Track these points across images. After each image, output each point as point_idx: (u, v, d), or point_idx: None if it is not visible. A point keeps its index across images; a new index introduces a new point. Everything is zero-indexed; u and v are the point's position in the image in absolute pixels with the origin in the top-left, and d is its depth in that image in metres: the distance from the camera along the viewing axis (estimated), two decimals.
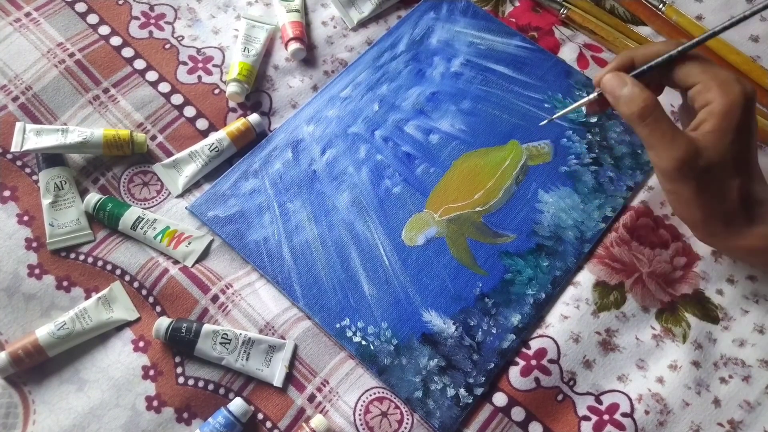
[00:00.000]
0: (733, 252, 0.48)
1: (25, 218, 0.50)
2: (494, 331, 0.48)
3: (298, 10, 0.59)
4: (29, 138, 0.50)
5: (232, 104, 0.55)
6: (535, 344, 0.48)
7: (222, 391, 0.46)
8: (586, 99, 0.47)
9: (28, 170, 0.51)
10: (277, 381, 0.46)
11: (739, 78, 0.42)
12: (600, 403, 0.46)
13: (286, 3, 0.59)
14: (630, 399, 0.46)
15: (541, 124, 0.52)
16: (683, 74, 0.43)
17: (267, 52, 0.58)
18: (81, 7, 0.57)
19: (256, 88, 0.56)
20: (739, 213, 0.43)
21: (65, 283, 0.48)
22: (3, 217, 0.49)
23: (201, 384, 0.46)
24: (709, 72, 0.42)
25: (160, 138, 0.53)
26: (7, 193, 0.50)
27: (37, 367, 0.45)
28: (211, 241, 0.50)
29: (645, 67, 0.44)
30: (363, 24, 0.60)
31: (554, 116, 0.49)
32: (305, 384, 0.46)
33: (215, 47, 0.57)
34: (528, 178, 0.53)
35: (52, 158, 0.50)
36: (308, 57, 0.58)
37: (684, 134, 0.41)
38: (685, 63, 0.43)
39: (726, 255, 0.51)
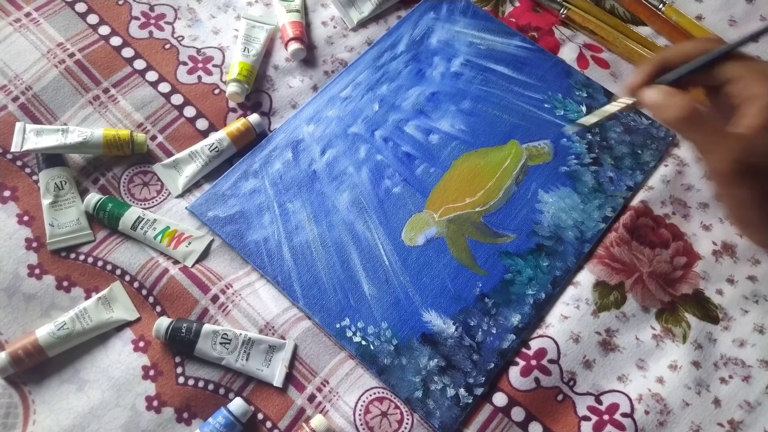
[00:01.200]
0: None
1: (25, 218, 0.50)
2: (494, 331, 0.48)
3: (298, 10, 0.59)
4: (29, 138, 0.50)
5: (232, 104, 0.55)
6: (535, 344, 0.48)
7: (222, 391, 0.46)
8: (621, 106, 0.43)
9: (28, 170, 0.51)
10: (277, 381, 0.46)
11: None
12: (600, 403, 0.46)
13: (286, 3, 0.59)
14: (630, 399, 0.46)
15: (570, 131, 0.51)
16: (723, 70, 0.41)
17: (267, 52, 0.58)
18: (81, 7, 0.57)
19: (256, 88, 0.56)
20: None
21: (65, 283, 0.48)
22: (3, 217, 0.49)
23: (201, 384, 0.46)
24: (750, 66, 0.40)
25: (160, 138, 0.53)
26: (7, 193, 0.50)
27: (37, 367, 0.45)
28: (211, 241, 0.50)
29: (686, 70, 0.41)
30: (363, 24, 0.60)
31: (589, 123, 0.45)
32: (305, 384, 0.46)
33: (215, 47, 0.57)
34: (528, 178, 0.53)
35: (52, 158, 0.50)
36: (308, 57, 0.58)
37: (735, 133, 0.39)
38: (724, 59, 0.41)
39: None
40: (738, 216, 0.44)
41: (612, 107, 0.44)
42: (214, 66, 0.56)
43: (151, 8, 0.58)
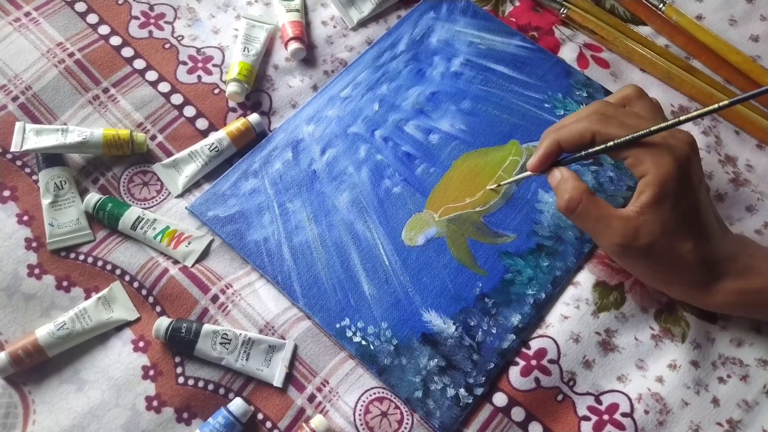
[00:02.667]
0: (705, 308, 0.47)
1: (25, 218, 0.50)
2: (494, 331, 0.48)
3: (297, 10, 0.58)
4: (29, 138, 0.50)
5: (231, 104, 0.55)
6: (535, 344, 0.48)
7: (222, 391, 0.46)
8: (523, 175, 0.47)
9: (27, 170, 0.51)
10: (277, 381, 0.46)
11: (671, 144, 0.40)
12: (600, 403, 0.46)
13: (285, 3, 0.59)
14: (630, 399, 0.46)
15: (489, 187, 0.52)
16: (620, 151, 0.42)
17: (267, 52, 0.58)
18: (81, 6, 0.57)
19: (256, 88, 0.56)
20: (701, 273, 0.42)
21: (65, 283, 0.48)
22: (3, 217, 0.49)
23: (201, 384, 0.46)
24: (639, 145, 0.41)
25: (159, 138, 0.53)
26: (6, 193, 0.50)
27: (37, 367, 0.45)
28: (211, 241, 0.50)
29: (571, 158, 0.44)
30: (363, 24, 0.60)
31: (501, 184, 0.50)
32: (305, 384, 0.46)
33: (215, 47, 0.57)
34: (528, 178, 0.53)
35: (52, 158, 0.50)
36: (308, 57, 0.58)
37: (619, 216, 0.41)
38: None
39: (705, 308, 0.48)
40: (641, 279, 0.47)
41: (521, 176, 0.48)
42: (213, 65, 0.56)
43: (151, 8, 0.58)
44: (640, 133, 0.40)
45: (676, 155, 0.40)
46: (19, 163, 0.51)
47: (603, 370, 0.47)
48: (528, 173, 0.46)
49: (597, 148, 0.42)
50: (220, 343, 0.45)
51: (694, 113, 0.38)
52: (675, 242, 0.41)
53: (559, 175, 0.43)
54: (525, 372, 0.47)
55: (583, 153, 0.43)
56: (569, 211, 0.42)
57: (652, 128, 0.40)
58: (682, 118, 0.39)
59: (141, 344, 0.46)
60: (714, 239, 0.42)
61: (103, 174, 0.52)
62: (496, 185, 0.51)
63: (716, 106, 0.37)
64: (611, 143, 0.41)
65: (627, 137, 0.41)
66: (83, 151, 0.50)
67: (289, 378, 0.46)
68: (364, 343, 0.47)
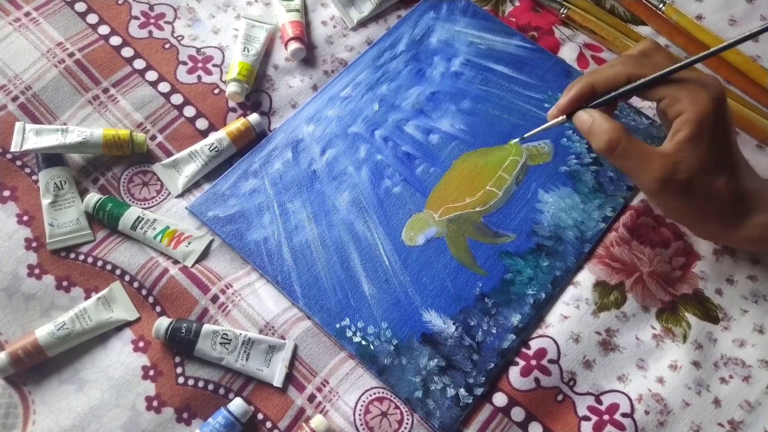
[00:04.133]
0: (735, 244, 0.49)
1: (25, 218, 0.50)
2: (494, 331, 0.48)
3: (297, 10, 0.58)
4: (29, 138, 0.50)
5: (231, 104, 0.55)
6: (535, 344, 0.48)
7: (222, 391, 0.46)
8: (552, 123, 0.46)
9: (27, 170, 0.51)
10: (277, 381, 0.46)
11: (706, 82, 0.42)
12: (600, 403, 0.46)
13: (285, 3, 0.59)
14: (630, 399, 0.46)
15: (513, 142, 0.52)
16: (654, 91, 0.43)
17: (267, 52, 0.58)
18: (81, 6, 0.57)
19: (256, 88, 0.56)
20: (732, 208, 0.43)
21: (65, 283, 0.48)
22: (3, 217, 0.49)
23: (201, 384, 0.45)
24: (675, 83, 0.42)
25: (159, 138, 0.53)
26: (6, 193, 0.50)
27: (37, 367, 0.45)
28: (211, 241, 0.50)
29: (607, 97, 0.44)
30: (363, 24, 0.60)
31: (526, 135, 0.48)
32: (305, 384, 0.46)
33: (215, 47, 0.57)
34: (528, 178, 0.53)
35: (52, 158, 0.50)
36: (308, 57, 0.58)
37: (657, 152, 0.41)
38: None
39: (731, 247, 0.51)
40: (672, 218, 0.49)
41: (546, 125, 0.46)
42: (213, 65, 0.56)
43: (151, 8, 0.58)
44: (673, 67, 0.41)
45: (713, 94, 0.41)
46: (19, 163, 0.51)
47: (603, 370, 0.47)
48: (555, 121, 0.45)
49: (632, 84, 0.43)
50: (220, 343, 0.45)
51: (726, 43, 0.40)
52: (711, 177, 0.42)
53: (589, 117, 0.43)
54: (525, 372, 0.47)
55: (616, 93, 0.43)
56: (610, 152, 0.42)
57: (684, 62, 0.41)
58: (713, 49, 0.41)
59: (141, 344, 0.46)
60: (743, 175, 0.44)
61: (103, 174, 0.52)
62: (519, 139, 0.49)
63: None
64: (647, 78, 0.42)
65: (660, 72, 0.42)
66: (83, 151, 0.50)
67: (289, 378, 0.46)
68: (364, 343, 0.47)
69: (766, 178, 0.47)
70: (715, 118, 0.41)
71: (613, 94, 0.43)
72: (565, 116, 0.45)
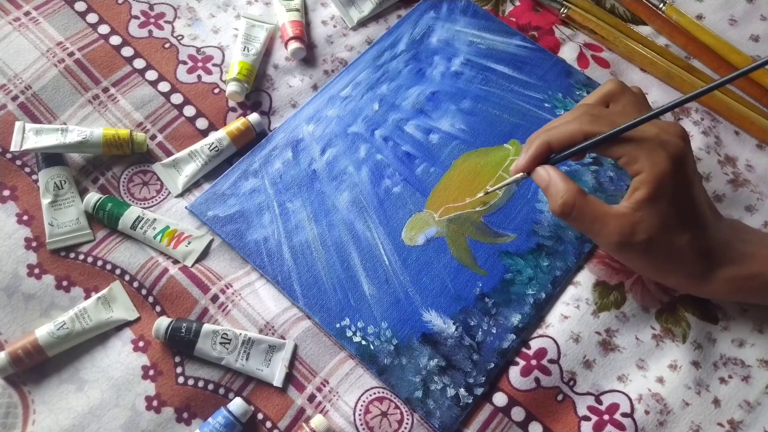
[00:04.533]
0: (704, 296, 0.48)
1: (25, 218, 0.50)
2: (494, 331, 0.48)
3: (297, 10, 0.58)
4: (29, 137, 0.50)
5: (231, 104, 0.55)
6: (535, 344, 0.48)
7: (222, 391, 0.46)
8: (512, 179, 0.44)
9: (27, 170, 0.51)
10: (277, 381, 0.46)
11: (664, 139, 0.40)
12: (600, 403, 0.46)
13: (285, 2, 0.59)
14: (630, 399, 0.46)
15: (485, 192, 0.50)
16: (613, 149, 0.41)
17: (267, 52, 0.58)
18: (80, 6, 0.57)
19: (256, 88, 0.56)
20: (699, 264, 0.43)
21: (65, 283, 0.48)
22: (2, 217, 0.49)
23: (201, 384, 0.45)
24: (632, 142, 0.40)
25: (159, 137, 0.53)
26: (6, 193, 0.50)
27: (37, 367, 0.45)
28: (211, 241, 0.50)
29: (562, 155, 0.42)
30: (363, 23, 0.60)
31: (490, 189, 0.47)
32: (305, 384, 0.46)
33: (215, 46, 0.57)
34: (528, 178, 0.53)
35: (52, 158, 0.50)
36: (308, 56, 0.58)
37: (615, 214, 0.41)
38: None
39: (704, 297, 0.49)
40: (639, 272, 0.49)
41: (509, 180, 0.45)
42: (213, 65, 0.56)
43: (151, 7, 0.58)
44: (625, 125, 0.40)
45: (671, 153, 0.40)
46: (18, 162, 0.51)
47: (603, 370, 0.47)
48: (515, 177, 0.44)
49: (586, 143, 0.41)
50: (220, 343, 0.45)
51: (672, 102, 0.39)
52: (672, 236, 0.41)
53: (546, 175, 0.42)
54: (525, 372, 0.47)
55: (570, 151, 0.42)
56: (564, 215, 0.42)
57: (636, 119, 0.40)
58: (662, 107, 0.39)
59: (141, 344, 0.46)
60: (709, 229, 0.43)
61: (103, 174, 0.52)
62: (483, 193, 0.48)
63: (695, 92, 0.39)
64: (598, 137, 0.41)
65: (612, 131, 0.40)
66: (83, 150, 0.50)
67: (289, 378, 0.46)
68: (364, 342, 0.47)
69: (736, 225, 0.47)
70: (675, 177, 0.40)
71: (567, 152, 0.42)
72: (524, 173, 0.44)
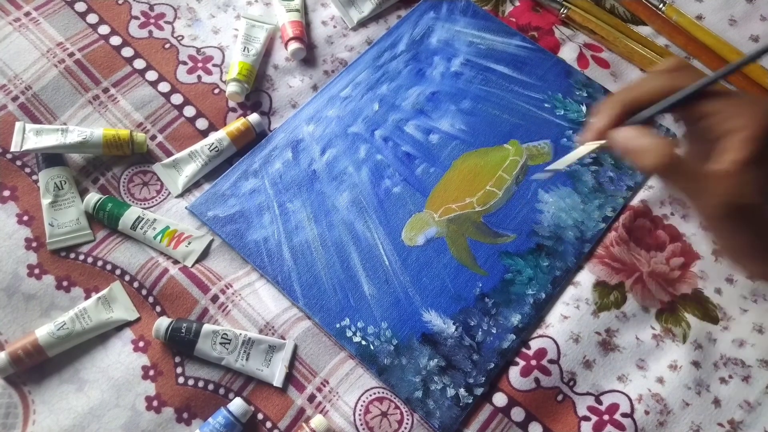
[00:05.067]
0: None
1: (25, 218, 0.50)
2: (494, 331, 0.48)
3: (297, 10, 0.58)
4: (29, 138, 0.50)
5: (231, 104, 0.55)
6: (535, 344, 0.48)
7: (222, 391, 0.46)
8: (589, 148, 0.39)
9: (27, 170, 0.51)
10: (277, 381, 0.46)
11: (753, 98, 0.37)
12: (600, 403, 0.46)
13: (285, 3, 0.59)
14: (630, 399, 0.46)
15: (542, 178, 0.49)
16: (697, 106, 0.37)
17: (267, 52, 0.58)
18: (81, 6, 0.57)
19: (256, 88, 0.56)
20: None
21: (65, 283, 0.48)
22: (3, 217, 0.49)
23: (201, 384, 0.45)
24: (726, 99, 0.37)
25: (159, 138, 0.53)
26: (6, 193, 0.50)
27: (37, 367, 0.45)
28: (211, 241, 0.50)
29: (657, 111, 0.38)
30: (363, 24, 0.60)
31: (559, 167, 0.42)
32: (305, 384, 0.46)
33: (215, 47, 0.57)
34: (528, 178, 0.53)
35: (52, 158, 0.50)
36: (308, 57, 0.58)
37: (720, 173, 0.36)
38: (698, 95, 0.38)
39: None
40: (729, 251, 0.42)
41: (581, 151, 0.40)
42: (213, 65, 0.56)
43: (151, 8, 0.58)
44: (723, 70, 0.36)
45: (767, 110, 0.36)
46: (19, 163, 0.51)
47: (603, 370, 0.47)
48: (591, 146, 0.39)
49: (674, 97, 0.37)
50: (220, 343, 0.45)
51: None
52: None
53: (633, 133, 0.37)
54: (525, 372, 0.47)
55: (657, 106, 0.38)
56: (668, 168, 0.36)
57: (732, 65, 0.36)
58: (752, 53, 0.37)
59: (141, 344, 0.46)
60: None
61: (103, 174, 0.52)
62: (554, 170, 0.42)
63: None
64: (692, 87, 0.37)
65: (710, 78, 0.37)
66: (83, 151, 0.50)
67: (289, 378, 0.46)
68: (364, 343, 0.47)
69: None
70: None
71: (653, 108, 0.38)
72: (602, 141, 0.39)
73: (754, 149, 0.35)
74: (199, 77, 0.56)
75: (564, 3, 0.61)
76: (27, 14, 0.56)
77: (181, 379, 0.45)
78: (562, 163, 0.42)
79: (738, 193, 0.36)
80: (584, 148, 0.40)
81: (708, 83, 0.37)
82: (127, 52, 0.56)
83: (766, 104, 0.37)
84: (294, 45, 0.56)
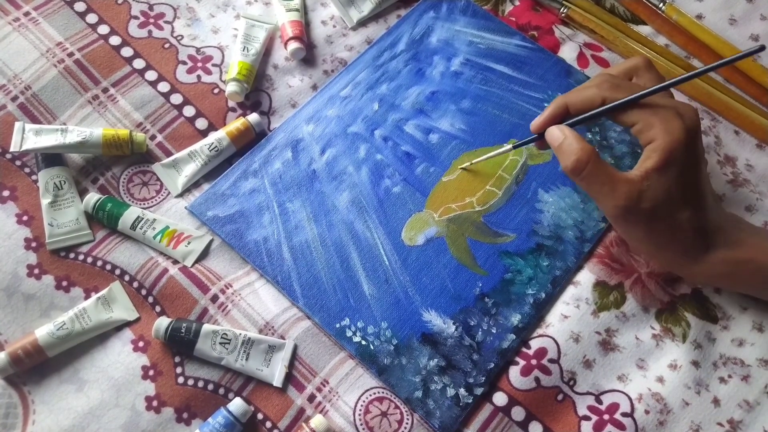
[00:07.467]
0: (693, 278, 0.48)
1: (25, 218, 0.50)
2: (494, 331, 0.48)
3: (297, 10, 0.58)
4: (28, 138, 0.50)
5: (231, 104, 0.55)
6: (535, 344, 0.48)
7: (222, 391, 0.46)
8: (525, 141, 0.46)
9: (27, 170, 0.51)
10: (277, 381, 0.46)
11: (680, 111, 0.41)
12: (600, 402, 0.46)
13: (285, 2, 0.59)
14: (630, 399, 0.46)
15: (461, 167, 0.52)
16: (627, 115, 0.42)
17: (266, 52, 0.58)
18: (80, 6, 0.57)
19: (256, 88, 0.56)
20: (694, 243, 0.43)
21: (65, 283, 0.48)
22: (2, 217, 0.49)
23: (201, 384, 0.45)
24: (649, 109, 0.41)
25: (159, 138, 0.53)
26: (6, 193, 0.50)
27: (37, 367, 0.45)
28: (211, 241, 0.50)
29: (578, 118, 0.43)
30: (363, 23, 0.60)
31: (476, 161, 0.49)
32: (305, 384, 0.46)
33: (215, 47, 0.57)
34: (528, 178, 0.53)
35: (52, 158, 0.50)
36: (308, 56, 0.58)
37: (624, 179, 0.41)
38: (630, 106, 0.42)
39: (689, 281, 0.50)
40: (634, 248, 0.50)
41: (505, 149, 0.46)
42: (213, 65, 0.56)
43: (151, 7, 0.58)
44: (645, 91, 0.41)
45: (687, 124, 0.40)
46: (18, 163, 0.51)
47: (603, 370, 0.47)
48: (530, 139, 0.45)
49: (602, 108, 0.42)
50: (220, 343, 0.45)
51: (698, 70, 0.40)
52: (675, 209, 0.41)
53: (560, 134, 0.42)
54: (525, 372, 0.47)
55: (587, 114, 0.43)
56: (576, 173, 0.41)
57: (656, 86, 0.40)
58: (686, 75, 0.40)
59: (141, 344, 0.46)
60: (709, 210, 0.43)
61: (103, 174, 0.52)
62: (510, 146, 0.48)
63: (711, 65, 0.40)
64: (617, 102, 0.41)
65: (630, 96, 0.41)
66: (83, 151, 0.50)
67: (289, 378, 0.46)
68: (364, 343, 0.47)
69: (730, 213, 0.47)
70: (687, 149, 0.40)
71: (584, 115, 0.43)
72: (537, 135, 0.44)
73: (659, 160, 0.40)
74: (198, 77, 0.56)
75: (564, 2, 0.61)
76: (26, 14, 0.56)
77: (180, 379, 0.45)
78: (484, 159, 0.49)
79: (637, 199, 0.41)
80: (526, 140, 0.46)
81: (631, 99, 0.41)
82: (126, 51, 0.56)
83: (690, 119, 0.41)
84: (293, 45, 0.56)
